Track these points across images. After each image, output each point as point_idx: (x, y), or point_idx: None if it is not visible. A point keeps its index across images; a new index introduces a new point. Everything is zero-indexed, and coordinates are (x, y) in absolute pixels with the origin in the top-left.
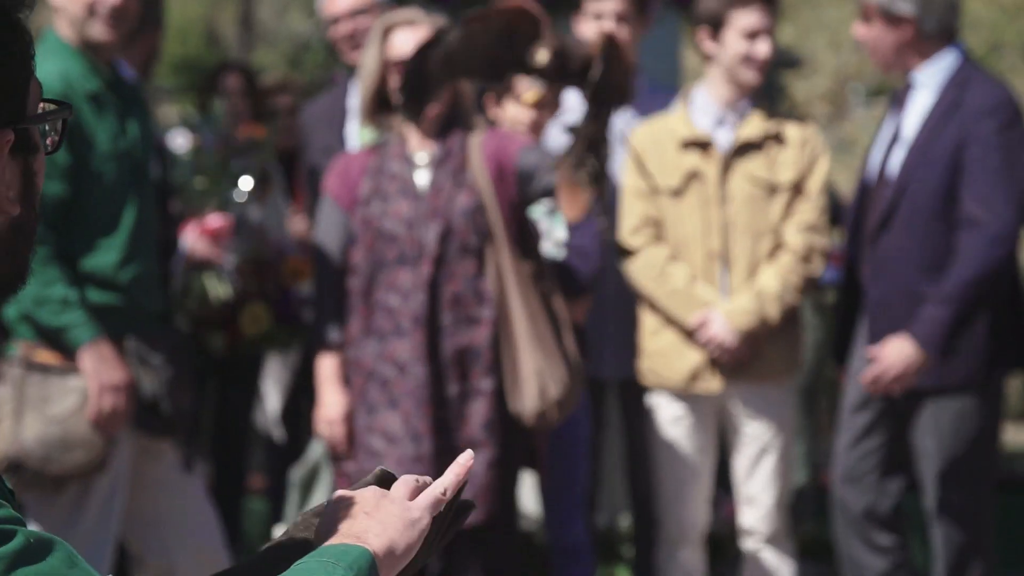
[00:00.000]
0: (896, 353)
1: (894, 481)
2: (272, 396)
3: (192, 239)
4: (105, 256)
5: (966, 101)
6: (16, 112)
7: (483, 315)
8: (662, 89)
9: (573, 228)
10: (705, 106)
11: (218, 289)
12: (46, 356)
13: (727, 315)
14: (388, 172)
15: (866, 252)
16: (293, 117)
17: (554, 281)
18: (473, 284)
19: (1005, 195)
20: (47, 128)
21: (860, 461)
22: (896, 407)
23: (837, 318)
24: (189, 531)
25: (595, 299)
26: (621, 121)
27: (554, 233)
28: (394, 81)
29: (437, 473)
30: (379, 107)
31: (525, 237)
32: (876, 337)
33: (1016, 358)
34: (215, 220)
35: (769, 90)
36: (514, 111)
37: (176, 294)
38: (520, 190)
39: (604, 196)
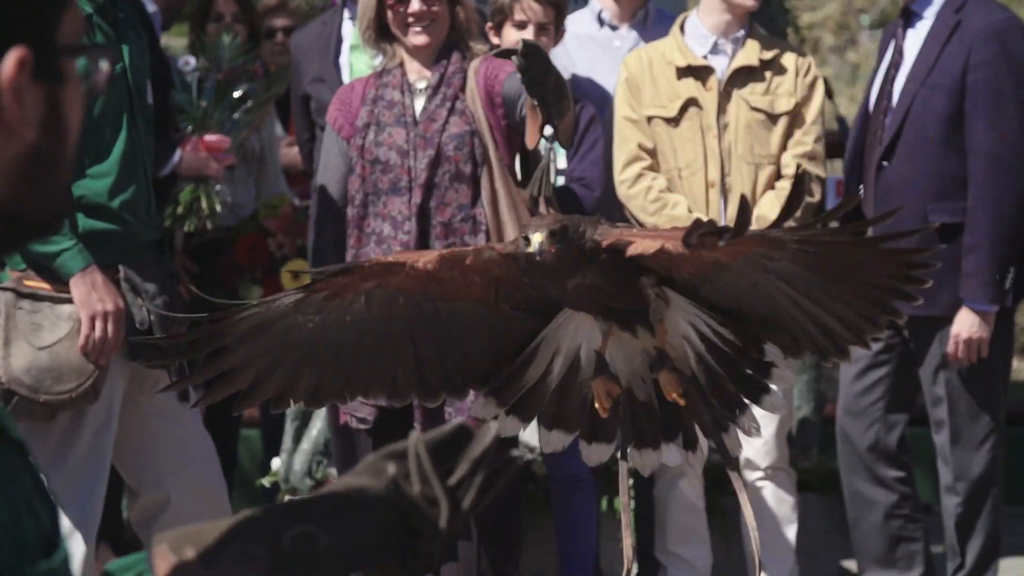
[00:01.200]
0: (967, 327)
1: (900, 414)
2: None
3: (189, 152)
4: (96, 182)
5: (967, 24)
6: (37, 32)
7: (476, 243)
8: (667, 17)
9: (574, 157)
10: (700, 33)
11: (214, 202)
12: (37, 284)
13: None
14: (386, 100)
15: (869, 181)
16: (289, 39)
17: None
18: (466, 212)
19: (1018, 122)
20: (89, 64)
21: (864, 394)
22: (904, 339)
23: None
24: (184, 462)
25: None
26: (624, 46)
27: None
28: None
29: None
30: (379, 34)
31: (524, 164)
32: None
33: None
34: (213, 137)
35: (775, 19)
36: (514, 37)
37: (171, 210)
38: (508, 116)
39: (564, 123)
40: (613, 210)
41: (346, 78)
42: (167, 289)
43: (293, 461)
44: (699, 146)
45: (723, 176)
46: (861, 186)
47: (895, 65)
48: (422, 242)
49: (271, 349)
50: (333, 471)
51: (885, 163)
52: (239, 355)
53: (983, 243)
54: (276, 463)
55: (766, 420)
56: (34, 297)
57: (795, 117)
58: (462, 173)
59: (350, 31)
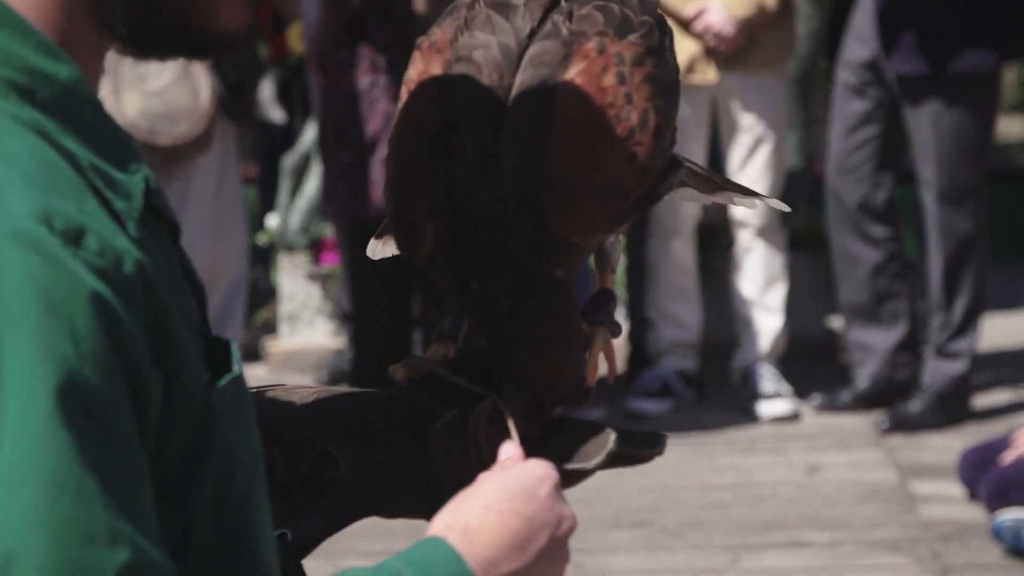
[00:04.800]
0: None
1: (888, 173)
2: (266, 82)
3: None
4: None
5: None
6: None
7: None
8: None
9: None
10: None
11: None
12: None
13: (724, 3)
14: None
15: None
16: None
17: None
18: None
19: None
20: None
21: (854, 152)
22: (892, 96)
23: (831, 9)
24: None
25: None
26: None
27: None
28: None
29: None
30: None
31: None
32: (889, 35)
33: (1018, 47)
34: None
35: None
36: None
37: None
38: None
39: None
40: None
41: None
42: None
43: (289, 218)
44: None
45: None
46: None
47: None
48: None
49: None
50: (328, 229)
51: None
52: None
53: None
54: (272, 220)
55: (760, 180)
56: None
57: None
58: None
59: None
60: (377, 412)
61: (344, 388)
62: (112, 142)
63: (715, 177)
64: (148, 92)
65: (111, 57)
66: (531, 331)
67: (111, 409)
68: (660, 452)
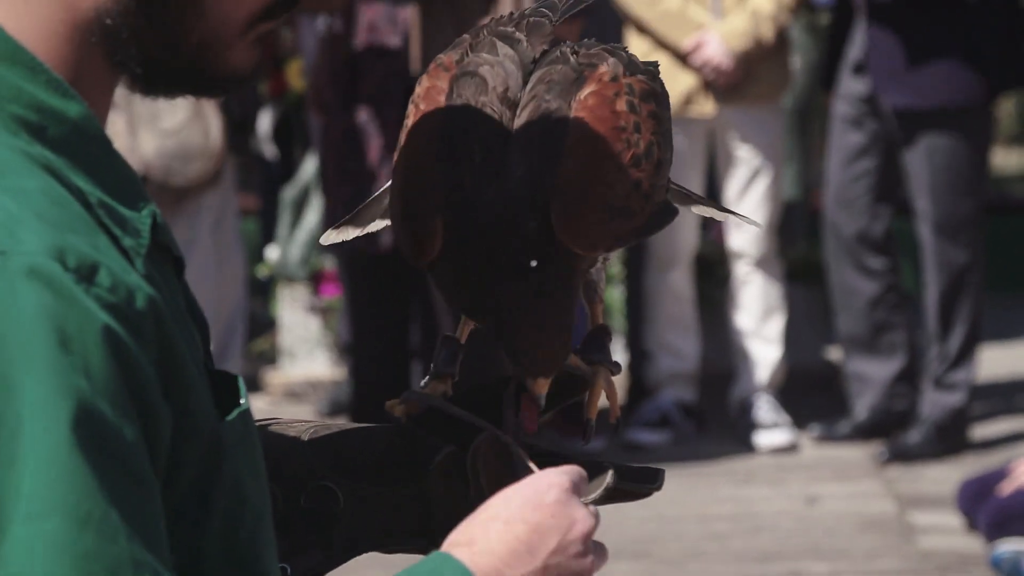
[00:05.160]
0: None
1: (886, 204)
2: (263, 116)
3: None
4: None
5: None
6: None
7: (391, 43)
8: None
9: None
10: None
11: None
12: None
13: (723, 36)
14: None
15: None
16: None
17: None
18: (390, 11)
19: None
20: None
21: (852, 184)
22: (889, 129)
23: (828, 42)
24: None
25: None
26: None
27: None
28: None
29: None
30: None
31: None
32: (882, 68)
33: (1014, 78)
34: None
35: None
36: None
37: None
38: None
39: None
40: (599, 7)
41: None
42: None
43: (289, 250)
44: None
45: None
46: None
47: None
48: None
49: None
50: (327, 261)
51: None
52: None
53: None
54: (272, 253)
55: (758, 211)
56: None
57: None
58: None
59: None
60: (376, 447)
61: (342, 422)
62: (120, 179)
63: (693, 195)
64: (162, 131)
65: (124, 93)
66: (528, 317)
67: (126, 442)
68: (658, 488)
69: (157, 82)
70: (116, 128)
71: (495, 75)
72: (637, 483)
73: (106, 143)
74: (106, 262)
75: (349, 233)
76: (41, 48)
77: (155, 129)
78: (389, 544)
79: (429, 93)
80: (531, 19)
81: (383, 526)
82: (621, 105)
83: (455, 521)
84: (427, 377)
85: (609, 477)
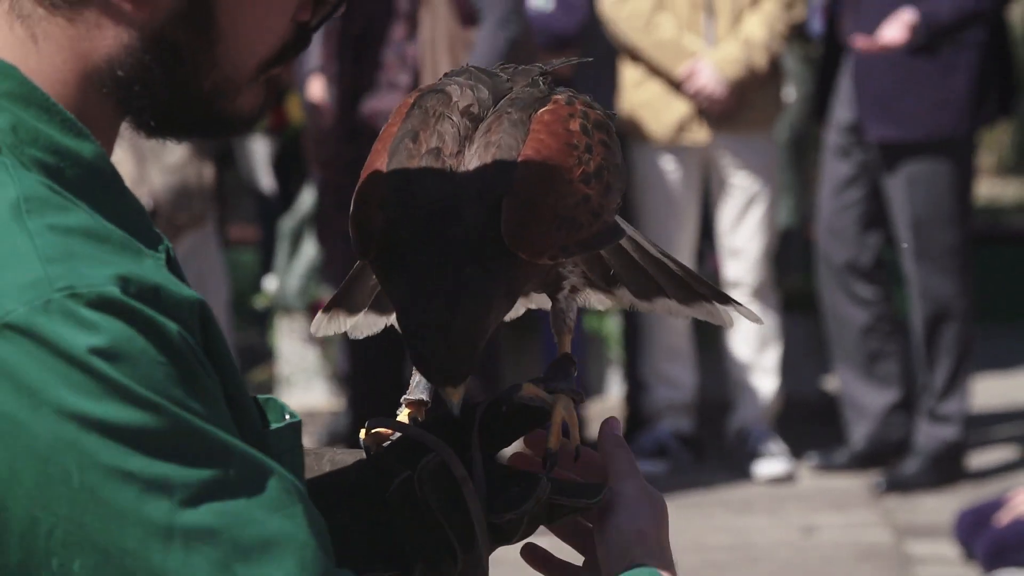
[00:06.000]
0: (893, 26)
1: (875, 233)
2: (261, 149)
3: None
4: None
5: None
6: None
7: (400, 80)
8: None
9: None
10: None
11: None
12: None
13: (716, 64)
14: None
15: (849, 8)
16: None
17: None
18: (399, 48)
19: None
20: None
21: (841, 213)
22: (875, 159)
23: (818, 73)
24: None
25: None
26: None
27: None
28: None
29: None
30: None
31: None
32: (869, 101)
33: (998, 109)
34: None
35: None
36: None
37: None
38: None
39: None
40: (595, 37)
41: None
42: None
43: (287, 280)
44: None
45: None
46: None
47: None
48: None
49: None
50: (326, 291)
51: None
52: None
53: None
54: (270, 283)
55: (753, 240)
56: None
57: None
58: (399, 9)
59: None
60: (349, 476)
61: (331, 449)
62: (134, 216)
63: (692, 281)
64: (167, 167)
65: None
66: (442, 321)
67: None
68: (598, 503)
69: (165, 127)
70: (124, 165)
71: (462, 93)
72: (575, 497)
73: (119, 182)
74: (162, 282)
75: (340, 323)
76: (54, 86)
77: (160, 165)
78: (367, 572)
79: (399, 110)
80: (521, 67)
81: (357, 553)
82: (574, 125)
83: (424, 546)
84: (401, 405)
85: (541, 487)
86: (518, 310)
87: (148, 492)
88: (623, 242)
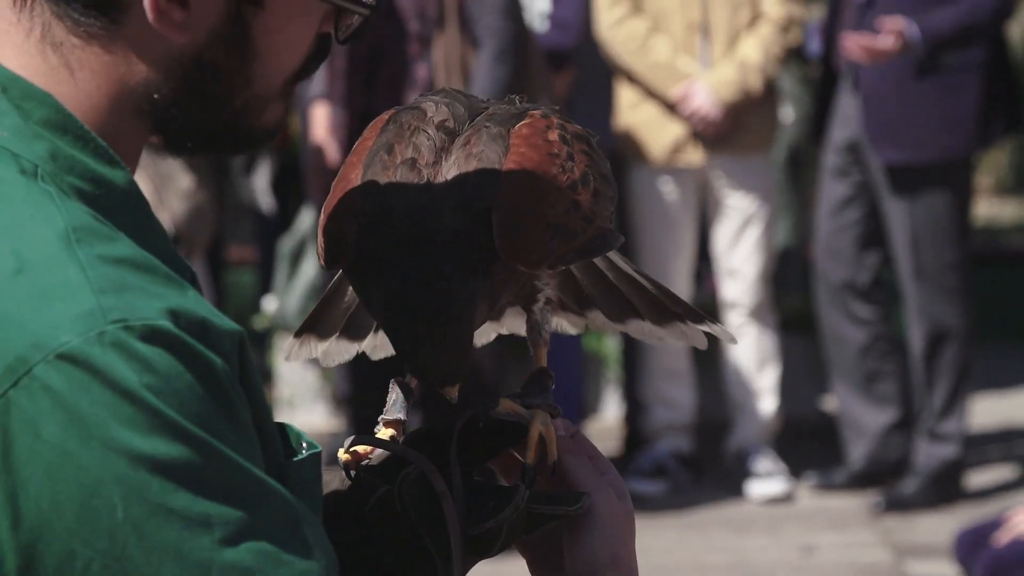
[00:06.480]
0: (892, 25)
1: (873, 253)
2: (261, 169)
3: None
4: None
5: None
6: None
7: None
8: None
9: (555, 0)
10: None
11: None
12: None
13: (711, 86)
14: None
15: (850, 31)
16: None
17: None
18: (409, 68)
19: None
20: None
21: (839, 234)
22: (875, 180)
23: (818, 94)
24: None
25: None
26: None
27: (536, 5)
28: None
29: None
30: None
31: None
32: (874, 123)
33: (990, 134)
34: None
35: None
36: None
37: None
38: None
39: None
40: (590, 56)
41: None
42: None
43: (286, 301)
44: None
45: (704, 17)
46: None
47: None
48: (365, 93)
49: None
50: None
51: (866, 8)
52: None
53: (956, 19)
54: (269, 304)
55: (750, 261)
56: (149, 145)
57: None
58: (410, 30)
59: None
60: (329, 496)
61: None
62: (161, 243)
63: (666, 299)
64: (182, 193)
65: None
66: (434, 332)
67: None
68: (578, 511)
69: (194, 144)
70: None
71: (437, 109)
72: (554, 505)
73: (148, 209)
74: (207, 315)
75: (311, 349)
76: (84, 119)
77: (176, 190)
78: None
79: (373, 126)
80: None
81: (342, 570)
82: (553, 136)
83: (404, 559)
84: (379, 423)
85: (518, 496)
86: (489, 335)
87: (190, 529)
88: (596, 260)
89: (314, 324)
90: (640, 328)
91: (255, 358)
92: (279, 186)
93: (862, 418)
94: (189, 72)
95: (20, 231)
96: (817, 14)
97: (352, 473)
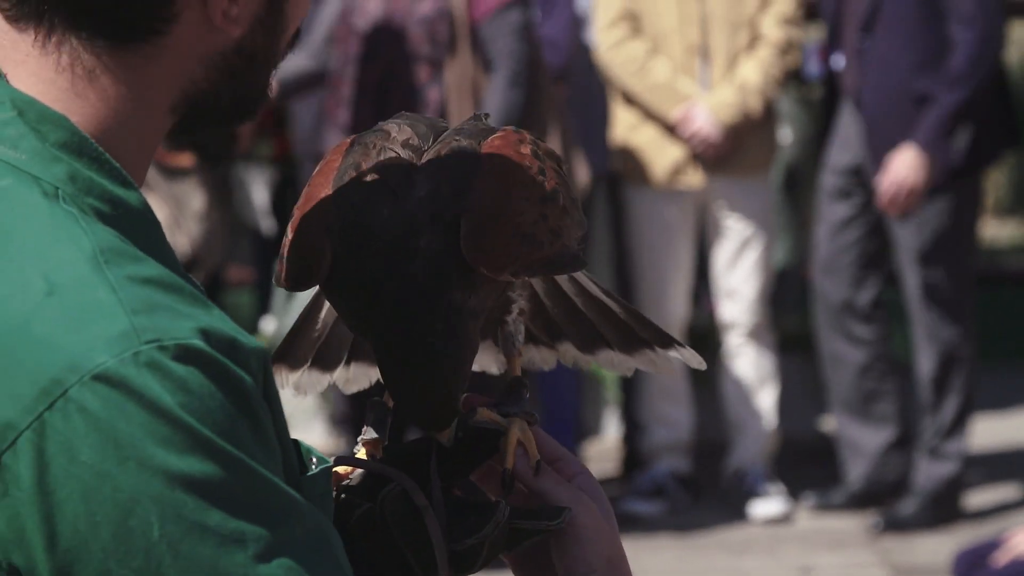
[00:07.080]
0: (905, 166)
1: (873, 274)
2: (260, 188)
3: None
4: None
5: None
6: None
7: None
8: None
9: (544, 18)
10: None
11: None
12: (172, 159)
13: (711, 108)
14: None
15: (850, 55)
16: None
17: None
18: (421, 92)
19: None
20: None
21: (839, 255)
22: (876, 201)
23: (820, 116)
24: None
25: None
26: None
27: None
28: None
29: None
30: None
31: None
32: (877, 146)
33: (996, 152)
34: None
35: None
36: None
37: None
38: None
39: None
40: (580, 74)
41: None
42: None
43: (284, 321)
44: (679, 10)
45: (704, 39)
46: None
47: None
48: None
49: None
50: None
51: (864, 32)
52: None
53: (950, 100)
54: (267, 325)
55: (748, 281)
56: (170, 172)
57: None
58: (422, 53)
59: None
60: None
61: None
62: (174, 262)
63: (636, 324)
64: (195, 215)
65: (159, 181)
66: (418, 361)
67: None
68: (559, 525)
69: (206, 126)
70: (159, 213)
71: (400, 129)
72: (535, 519)
73: (160, 230)
74: (234, 333)
75: (282, 379)
76: (104, 140)
77: (191, 213)
78: None
79: (336, 149)
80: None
81: None
82: (525, 150)
83: (385, 573)
84: (358, 443)
85: (500, 511)
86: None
87: (225, 546)
88: (565, 286)
89: (285, 354)
90: (610, 359)
91: None
92: (278, 207)
93: (860, 438)
94: (231, 62)
95: (48, 253)
96: (815, 36)
97: (333, 494)
